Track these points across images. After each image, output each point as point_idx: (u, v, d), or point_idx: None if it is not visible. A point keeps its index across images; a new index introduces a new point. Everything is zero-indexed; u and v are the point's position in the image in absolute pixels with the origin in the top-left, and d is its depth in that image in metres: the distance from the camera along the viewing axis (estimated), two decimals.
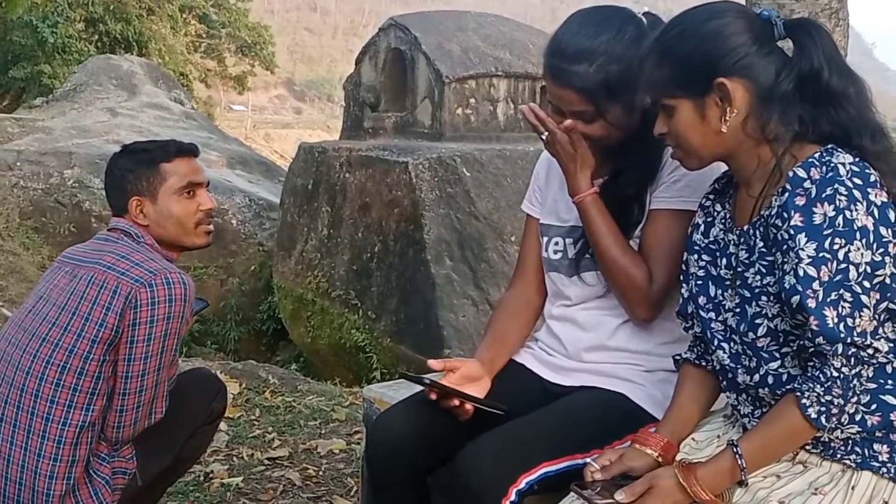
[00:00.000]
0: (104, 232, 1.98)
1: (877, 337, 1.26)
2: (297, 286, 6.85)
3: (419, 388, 1.66)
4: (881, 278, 1.24)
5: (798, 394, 1.26)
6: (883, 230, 1.24)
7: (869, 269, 1.23)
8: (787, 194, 1.27)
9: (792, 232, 1.25)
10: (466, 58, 6.52)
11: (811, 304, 1.23)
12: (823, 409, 1.25)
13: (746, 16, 1.37)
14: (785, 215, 1.27)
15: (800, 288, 1.23)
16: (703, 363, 1.52)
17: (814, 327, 1.23)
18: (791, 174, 1.28)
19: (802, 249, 1.23)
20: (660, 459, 1.44)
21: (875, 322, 1.26)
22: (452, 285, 5.65)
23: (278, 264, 7.30)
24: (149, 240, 1.93)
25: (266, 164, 10.95)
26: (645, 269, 1.63)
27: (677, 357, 1.57)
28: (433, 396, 1.60)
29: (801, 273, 1.23)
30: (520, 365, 1.78)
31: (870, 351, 1.24)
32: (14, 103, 16.06)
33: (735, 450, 1.31)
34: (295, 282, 6.91)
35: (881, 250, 1.23)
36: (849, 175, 1.25)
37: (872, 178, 1.26)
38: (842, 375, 1.24)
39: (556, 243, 1.78)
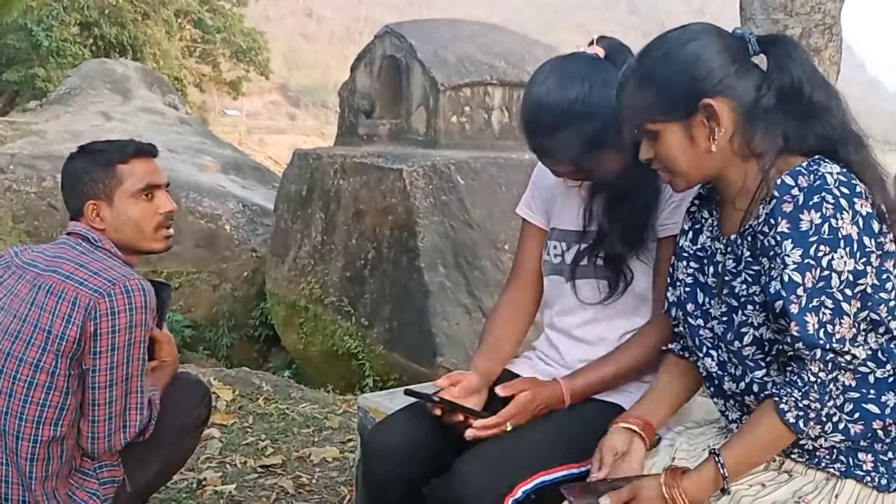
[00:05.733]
0: (63, 236, 1.90)
1: (856, 344, 1.28)
2: (290, 292, 6.85)
3: (414, 398, 1.67)
4: (863, 287, 1.27)
5: (776, 399, 1.29)
6: (867, 240, 1.26)
7: (851, 278, 1.25)
8: (774, 201, 1.29)
9: (778, 238, 1.27)
10: (461, 66, 6.54)
11: (793, 309, 1.25)
12: (801, 413, 1.28)
13: (721, 35, 1.39)
14: (772, 222, 1.28)
15: (784, 293, 1.25)
16: (686, 354, 1.55)
17: (794, 332, 1.25)
18: (779, 181, 1.30)
19: (788, 255, 1.25)
20: (640, 432, 1.50)
21: (854, 330, 1.28)
22: (446, 293, 5.66)
23: (271, 270, 7.30)
24: (107, 244, 1.86)
25: (260, 169, 10.94)
26: (648, 337, 1.67)
27: (664, 349, 1.61)
28: (437, 412, 1.61)
29: (786, 279, 1.25)
30: (515, 375, 1.78)
31: (847, 357, 1.26)
32: (8, 106, 16.04)
33: (717, 459, 1.33)
34: (288, 288, 6.91)
35: (864, 259, 1.25)
36: (836, 184, 1.27)
37: (859, 189, 1.28)
38: (819, 380, 1.26)
39: (555, 247, 1.80)
